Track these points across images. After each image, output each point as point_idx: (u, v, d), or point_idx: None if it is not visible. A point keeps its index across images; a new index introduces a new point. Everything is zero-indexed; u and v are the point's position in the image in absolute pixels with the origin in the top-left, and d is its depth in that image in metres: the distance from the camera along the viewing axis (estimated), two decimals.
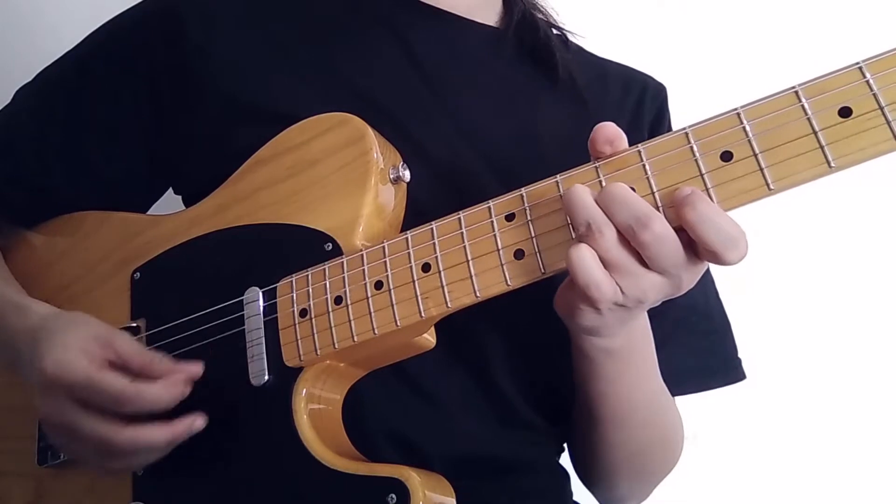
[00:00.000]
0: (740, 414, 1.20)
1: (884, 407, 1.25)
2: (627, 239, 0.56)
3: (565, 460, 0.87)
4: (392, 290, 0.64)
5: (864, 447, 1.25)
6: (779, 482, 1.26)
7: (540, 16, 0.91)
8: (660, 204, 0.56)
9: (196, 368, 0.69)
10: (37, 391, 0.68)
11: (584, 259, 0.56)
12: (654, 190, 0.57)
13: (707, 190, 0.56)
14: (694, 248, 0.56)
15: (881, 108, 0.52)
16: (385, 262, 0.65)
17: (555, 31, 0.92)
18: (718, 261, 0.55)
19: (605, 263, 0.56)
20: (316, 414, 0.67)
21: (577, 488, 0.87)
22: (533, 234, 0.60)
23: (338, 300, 0.66)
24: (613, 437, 0.77)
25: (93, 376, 0.65)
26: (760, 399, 1.14)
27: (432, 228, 0.64)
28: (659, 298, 0.59)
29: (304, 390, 0.67)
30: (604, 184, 0.58)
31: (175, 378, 0.67)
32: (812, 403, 1.26)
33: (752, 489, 1.26)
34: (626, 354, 0.69)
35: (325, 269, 0.68)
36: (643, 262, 0.57)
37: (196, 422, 0.66)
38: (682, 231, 0.56)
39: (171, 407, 0.67)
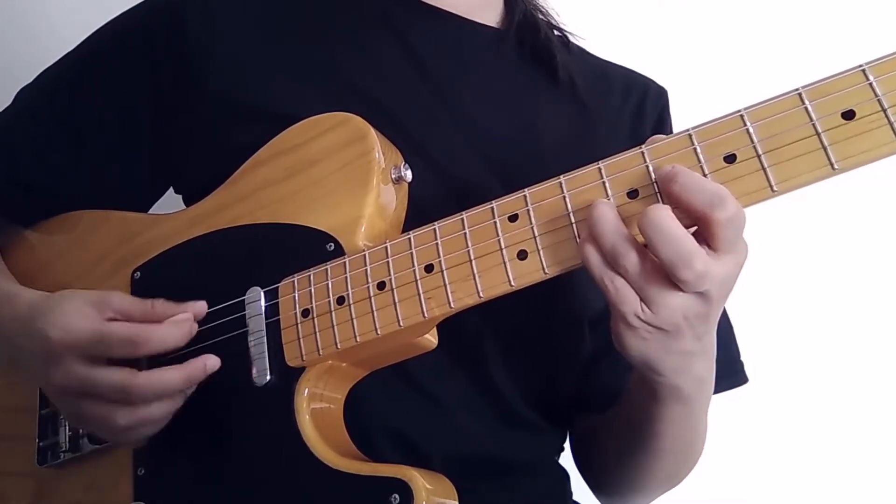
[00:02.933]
0: (739, 415, 1.19)
1: (884, 408, 1.26)
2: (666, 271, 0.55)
3: (565, 460, 0.87)
4: (395, 291, 0.64)
5: (863, 448, 1.26)
6: (778, 483, 1.26)
7: (541, 17, 0.91)
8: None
9: (199, 306, 0.70)
10: (42, 367, 0.68)
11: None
12: (657, 191, 0.57)
13: None
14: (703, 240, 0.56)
15: (884, 111, 0.52)
16: (388, 262, 0.65)
17: (556, 33, 0.92)
18: (710, 223, 0.54)
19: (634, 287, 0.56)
20: (318, 413, 0.67)
21: (577, 488, 0.87)
22: (536, 235, 0.60)
23: (340, 300, 0.66)
24: (652, 464, 0.78)
25: (100, 328, 0.66)
26: (759, 400, 1.14)
27: (435, 229, 0.64)
28: (692, 314, 0.57)
29: (307, 390, 0.67)
30: (607, 185, 0.59)
31: (181, 316, 0.68)
32: (810, 404, 1.27)
33: (752, 490, 1.27)
34: (692, 398, 0.67)
35: (327, 269, 0.68)
36: (663, 284, 0.56)
37: (209, 361, 0.67)
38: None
39: (182, 344, 0.67)
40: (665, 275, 0.55)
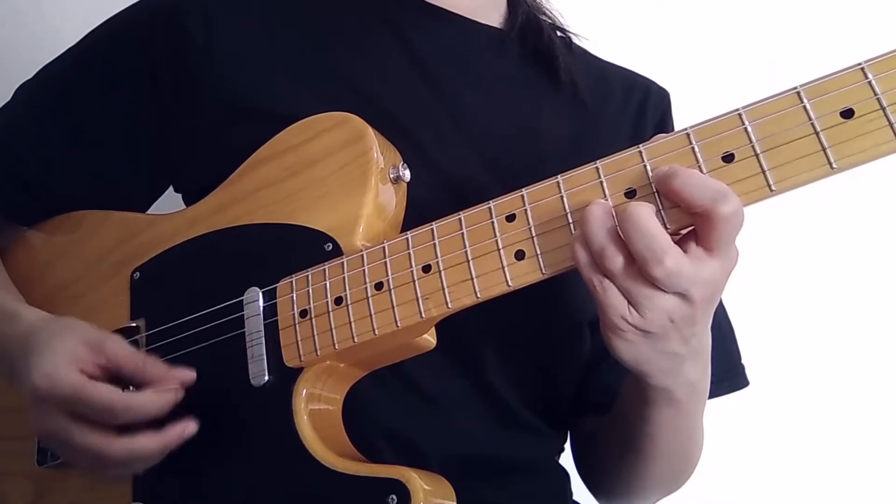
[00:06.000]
0: (740, 418, 1.19)
1: (885, 410, 1.25)
2: (639, 267, 0.55)
3: (565, 460, 0.87)
4: (392, 291, 0.64)
5: (864, 450, 1.25)
6: (779, 486, 1.26)
7: (544, 18, 0.91)
8: (661, 206, 0.56)
9: (189, 374, 0.69)
10: (28, 403, 0.68)
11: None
12: (655, 190, 0.57)
13: None
14: (694, 238, 0.56)
15: (883, 109, 0.52)
16: (385, 262, 0.65)
17: (559, 34, 0.92)
18: (711, 218, 0.54)
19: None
20: (316, 414, 0.67)
21: (577, 488, 0.87)
22: (534, 235, 0.60)
23: (338, 301, 0.66)
24: (648, 468, 0.78)
25: (82, 390, 0.65)
26: (760, 403, 1.14)
27: (433, 229, 0.64)
28: (677, 316, 0.57)
29: (305, 391, 0.67)
30: (605, 184, 0.58)
31: (166, 385, 0.67)
32: (812, 407, 1.26)
33: (753, 493, 1.26)
34: (684, 403, 0.67)
35: (325, 270, 0.67)
36: (649, 286, 0.56)
37: (187, 428, 0.66)
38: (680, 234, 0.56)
39: (163, 413, 0.66)
40: None
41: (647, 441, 0.73)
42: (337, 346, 0.65)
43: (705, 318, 0.60)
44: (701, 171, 0.56)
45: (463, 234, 0.63)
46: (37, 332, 0.71)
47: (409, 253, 0.64)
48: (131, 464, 0.67)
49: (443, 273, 0.63)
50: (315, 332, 0.66)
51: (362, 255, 0.66)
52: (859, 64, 0.53)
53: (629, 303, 0.57)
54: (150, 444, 0.65)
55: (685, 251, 0.55)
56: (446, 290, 0.62)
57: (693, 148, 0.56)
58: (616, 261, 0.55)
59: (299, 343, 0.67)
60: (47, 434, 0.69)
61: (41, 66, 0.87)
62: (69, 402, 0.65)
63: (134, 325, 0.77)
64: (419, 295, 0.63)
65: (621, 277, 0.56)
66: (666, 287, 0.55)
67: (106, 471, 0.68)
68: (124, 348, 0.70)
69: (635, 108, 0.90)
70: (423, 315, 0.63)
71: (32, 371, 0.67)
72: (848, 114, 0.53)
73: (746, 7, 1.32)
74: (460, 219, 0.63)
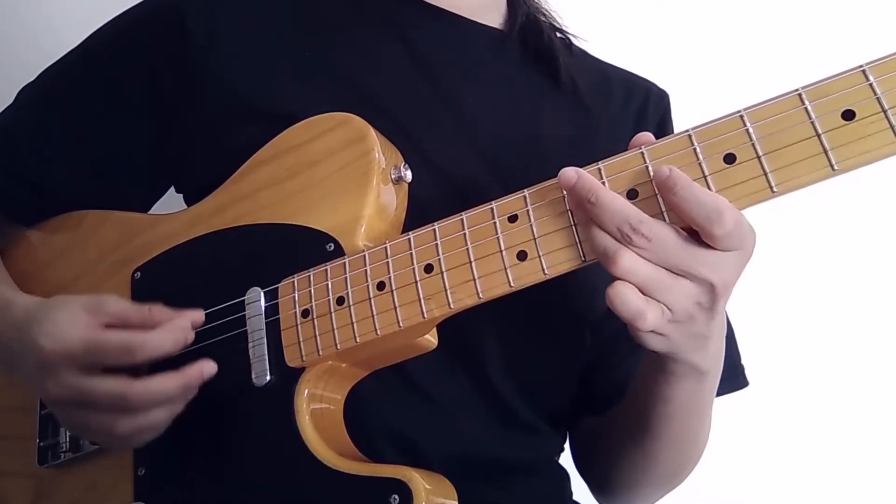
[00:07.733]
0: (739, 418, 1.19)
1: (884, 410, 1.25)
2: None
3: (565, 460, 0.87)
4: (394, 291, 0.64)
5: (864, 450, 1.25)
6: (778, 486, 1.26)
7: (544, 19, 0.91)
8: (663, 208, 0.57)
9: (196, 314, 0.69)
10: (37, 377, 0.68)
11: (624, 294, 0.56)
12: (657, 191, 0.57)
13: None
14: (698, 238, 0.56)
15: (884, 111, 0.52)
16: (387, 262, 0.65)
17: (558, 35, 0.92)
18: (708, 237, 0.55)
19: (641, 287, 0.56)
20: (318, 414, 0.67)
21: (577, 488, 0.87)
22: (535, 236, 0.60)
23: (340, 301, 0.66)
24: (657, 454, 0.78)
25: (94, 337, 0.66)
26: (759, 403, 1.14)
27: (435, 229, 0.64)
28: (703, 303, 0.58)
29: (306, 391, 0.67)
30: (607, 185, 0.58)
31: (177, 322, 0.68)
32: (811, 407, 1.26)
33: (752, 493, 1.27)
34: (707, 374, 0.67)
35: (327, 270, 0.68)
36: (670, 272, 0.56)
37: (206, 366, 0.66)
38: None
39: (178, 350, 0.67)
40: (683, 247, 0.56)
41: (662, 422, 0.72)
42: (339, 346, 0.65)
43: (725, 301, 0.60)
44: (702, 171, 0.56)
45: (465, 234, 0.63)
46: (34, 312, 0.71)
47: (411, 253, 0.64)
48: (151, 411, 0.66)
49: (445, 274, 0.63)
50: (317, 333, 0.67)
51: (364, 256, 0.66)
52: (861, 66, 0.53)
53: (655, 287, 0.56)
54: (171, 382, 0.65)
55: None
56: (448, 291, 0.62)
57: (695, 149, 0.56)
58: (645, 223, 0.55)
59: (301, 343, 0.67)
60: (59, 398, 0.67)
61: (41, 68, 0.87)
62: (82, 354, 0.65)
63: None
64: (421, 295, 0.63)
65: (656, 244, 0.56)
66: (725, 246, 0.55)
67: (125, 424, 0.66)
68: (125, 303, 0.70)
69: (636, 109, 0.90)
70: (426, 316, 0.63)
71: (39, 338, 0.66)
72: (849, 115, 0.53)
73: (747, 7, 1.32)
74: (462, 219, 0.63)
